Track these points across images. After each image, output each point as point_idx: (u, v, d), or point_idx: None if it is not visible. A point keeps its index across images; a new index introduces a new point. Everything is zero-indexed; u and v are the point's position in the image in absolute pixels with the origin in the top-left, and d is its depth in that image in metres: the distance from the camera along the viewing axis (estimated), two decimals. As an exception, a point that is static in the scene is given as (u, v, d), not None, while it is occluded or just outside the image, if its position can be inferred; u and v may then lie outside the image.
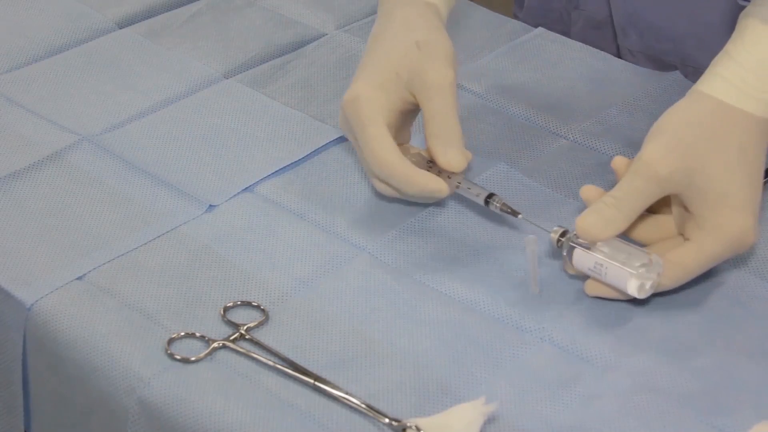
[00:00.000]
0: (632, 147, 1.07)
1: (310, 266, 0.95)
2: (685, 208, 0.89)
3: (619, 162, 0.93)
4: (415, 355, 0.87)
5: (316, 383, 0.84)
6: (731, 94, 0.89)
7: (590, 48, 1.24)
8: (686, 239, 0.90)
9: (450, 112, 0.94)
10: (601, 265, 0.87)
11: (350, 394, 0.83)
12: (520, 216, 0.94)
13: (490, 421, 0.81)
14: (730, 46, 0.92)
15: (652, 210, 0.93)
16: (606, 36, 1.32)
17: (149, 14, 1.30)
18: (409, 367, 0.86)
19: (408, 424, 0.80)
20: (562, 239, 0.90)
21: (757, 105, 0.89)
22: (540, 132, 1.11)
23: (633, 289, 0.86)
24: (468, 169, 1.00)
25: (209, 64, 1.21)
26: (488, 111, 1.14)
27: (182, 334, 0.88)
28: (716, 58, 0.92)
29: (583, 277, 0.91)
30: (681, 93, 0.93)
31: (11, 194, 1.02)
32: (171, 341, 0.87)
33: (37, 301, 0.91)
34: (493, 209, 0.95)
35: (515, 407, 0.82)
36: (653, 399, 0.83)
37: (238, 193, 1.03)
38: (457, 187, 0.96)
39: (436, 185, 0.93)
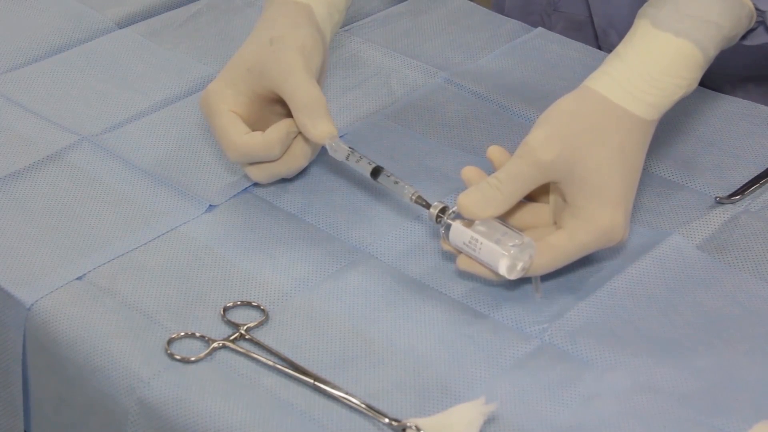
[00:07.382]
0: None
1: (310, 266, 0.95)
2: (563, 198, 0.90)
3: (493, 151, 0.94)
4: (415, 355, 0.87)
5: (316, 383, 0.84)
6: (615, 92, 0.90)
7: (590, 48, 1.24)
8: (559, 228, 0.90)
9: (305, 85, 0.96)
10: (477, 240, 0.88)
11: (350, 394, 0.83)
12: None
13: (490, 421, 0.81)
14: (620, 46, 0.93)
15: (531, 198, 0.94)
16: (587, 37, 1.32)
17: (149, 14, 1.30)
18: (409, 367, 0.86)
19: (408, 424, 0.80)
20: (442, 215, 0.91)
21: (638, 105, 0.90)
22: (540, 132, 1.10)
23: (504, 269, 0.87)
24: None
25: (209, 64, 1.21)
26: (488, 111, 1.14)
27: (182, 334, 0.88)
28: (608, 57, 0.93)
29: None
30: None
31: (11, 194, 1.02)
32: (171, 341, 0.87)
33: (37, 301, 0.91)
34: (384, 182, 0.96)
35: (515, 407, 0.82)
36: (653, 399, 0.83)
37: (238, 193, 1.03)
38: (347, 158, 0.97)
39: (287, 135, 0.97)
